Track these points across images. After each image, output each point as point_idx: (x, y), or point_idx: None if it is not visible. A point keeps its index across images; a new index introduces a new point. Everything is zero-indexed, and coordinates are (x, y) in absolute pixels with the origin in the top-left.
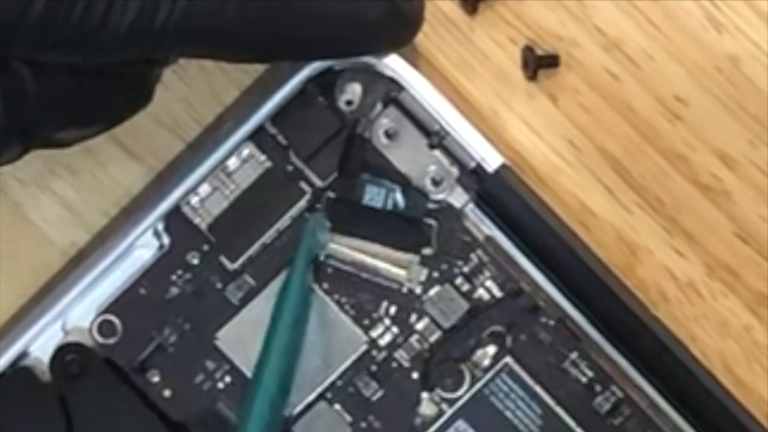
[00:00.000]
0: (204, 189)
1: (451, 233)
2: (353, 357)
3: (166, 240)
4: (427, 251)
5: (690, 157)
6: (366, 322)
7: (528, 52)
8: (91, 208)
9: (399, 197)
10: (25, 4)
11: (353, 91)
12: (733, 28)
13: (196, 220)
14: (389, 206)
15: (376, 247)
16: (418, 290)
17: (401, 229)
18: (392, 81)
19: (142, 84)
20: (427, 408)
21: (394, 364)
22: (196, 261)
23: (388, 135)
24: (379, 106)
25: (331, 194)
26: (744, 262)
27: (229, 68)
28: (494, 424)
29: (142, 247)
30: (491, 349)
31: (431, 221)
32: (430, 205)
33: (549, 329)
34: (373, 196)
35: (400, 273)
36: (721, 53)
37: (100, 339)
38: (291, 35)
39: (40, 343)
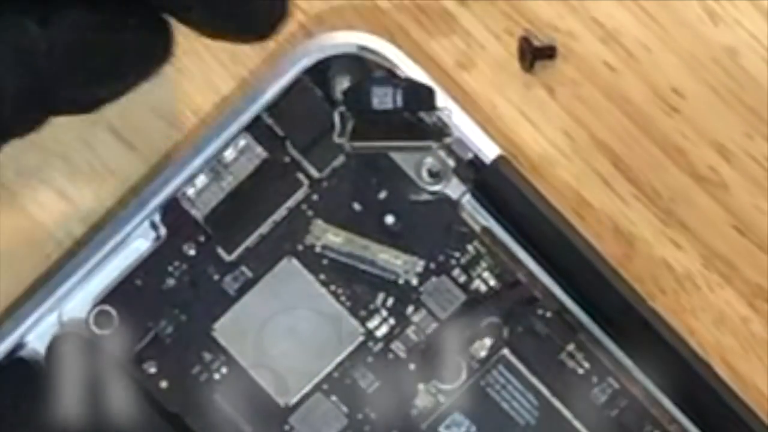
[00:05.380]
0: (200, 180)
1: (447, 224)
2: (349, 348)
3: (162, 231)
4: (447, 140)
5: (687, 148)
6: (362, 313)
7: (525, 43)
8: (87, 198)
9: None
10: None
11: (348, 81)
12: (730, 20)
13: (193, 211)
14: (399, 104)
15: (372, 240)
16: (414, 281)
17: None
18: (388, 72)
19: (158, 35)
20: (423, 400)
21: (391, 356)
22: (192, 252)
23: None
24: None
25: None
26: (741, 254)
27: (226, 59)
28: (491, 416)
29: (139, 237)
30: (488, 341)
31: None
32: (426, 196)
33: (546, 321)
34: (381, 97)
35: (397, 264)
36: (719, 45)
37: (96, 330)
38: None
39: (37, 334)
